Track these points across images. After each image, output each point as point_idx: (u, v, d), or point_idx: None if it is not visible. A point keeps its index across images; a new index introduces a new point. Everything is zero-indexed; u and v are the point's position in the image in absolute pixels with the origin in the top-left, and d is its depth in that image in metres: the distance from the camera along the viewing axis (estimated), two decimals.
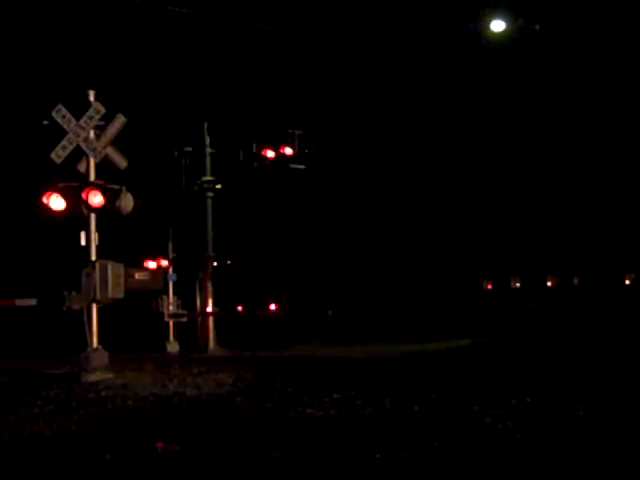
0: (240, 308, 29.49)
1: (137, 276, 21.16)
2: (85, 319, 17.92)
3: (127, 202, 18.49)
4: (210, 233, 27.91)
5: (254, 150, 26.70)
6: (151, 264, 27.85)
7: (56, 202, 18.23)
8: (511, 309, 36.74)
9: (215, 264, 28.10)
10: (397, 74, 32.46)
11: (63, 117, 18.34)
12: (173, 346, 27.82)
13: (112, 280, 17.97)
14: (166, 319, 28.16)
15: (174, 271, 28.50)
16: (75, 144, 18.31)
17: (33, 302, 18.66)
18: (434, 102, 28.45)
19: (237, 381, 16.38)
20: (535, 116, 26.40)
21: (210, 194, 27.88)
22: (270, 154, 26.18)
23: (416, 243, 37.06)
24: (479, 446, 9.52)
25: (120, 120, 18.66)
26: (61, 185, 18.41)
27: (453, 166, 27.66)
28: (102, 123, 18.58)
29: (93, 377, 17.29)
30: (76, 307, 17.96)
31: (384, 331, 29.59)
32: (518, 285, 46.32)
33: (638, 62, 25.39)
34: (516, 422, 10.83)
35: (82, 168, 18.60)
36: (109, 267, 18.03)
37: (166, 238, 28.60)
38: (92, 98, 18.59)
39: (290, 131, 26.01)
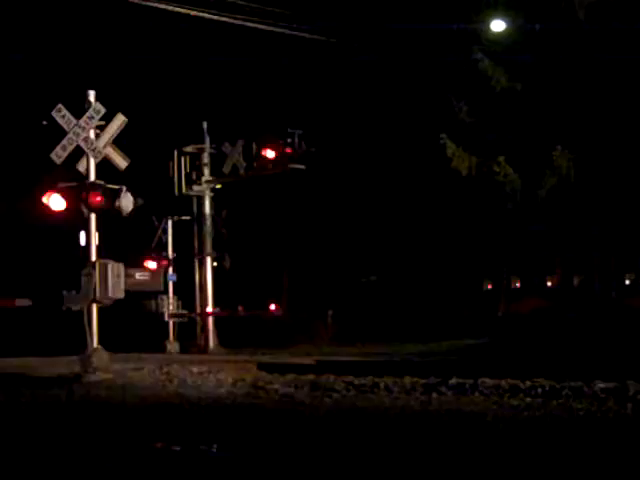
0: (240, 308, 29.42)
1: (137, 276, 21.19)
2: (85, 319, 17.92)
3: (127, 202, 18.50)
4: (210, 233, 27.89)
5: (254, 150, 26.68)
6: (151, 264, 27.83)
7: (56, 202, 18.24)
8: (511, 309, 36.72)
9: (215, 264, 28.08)
10: (396, 73, 32.45)
11: (63, 117, 18.35)
12: (173, 346, 27.78)
13: (112, 280, 17.97)
14: (166, 319, 28.13)
15: (174, 271, 28.46)
16: (75, 144, 18.32)
17: (28, 302, 18.71)
18: (434, 101, 28.41)
19: (237, 381, 16.38)
20: (536, 115, 26.38)
21: (210, 194, 27.88)
22: (270, 154, 26.16)
23: (416, 243, 37.03)
24: (478, 443, 9.51)
25: (120, 120, 18.66)
26: (61, 185, 18.42)
27: (452, 164, 27.63)
28: (102, 123, 18.58)
29: (93, 377, 17.30)
30: (76, 307, 17.96)
31: (384, 331, 29.58)
32: (518, 285, 46.22)
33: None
34: (515, 422, 10.83)
35: (82, 168, 18.61)
36: (109, 267, 18.04)
37: (166, 238, 28.57)
38: (92, 98, 18.60)
39: (290, 131, 25.97)
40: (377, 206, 35.76)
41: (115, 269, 18.18)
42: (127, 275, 18.64)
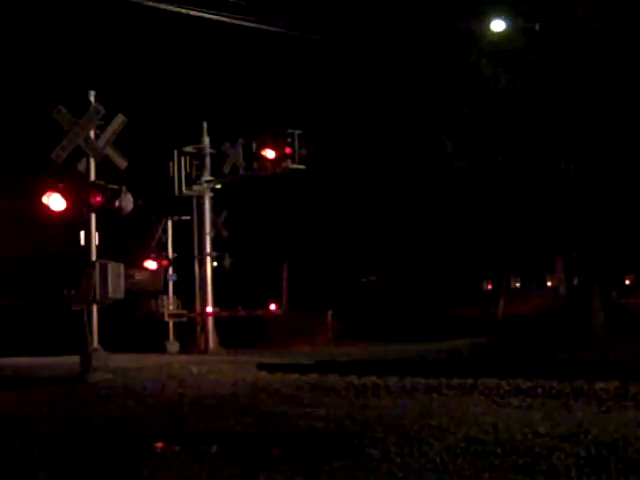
0: (240, 308, 29.44)
1: (137, 276, 21.19)
2: (85, 319, 17.92)
3: (127, 202, 18.50)
4: (210, 233, 27.90)
5: (254, 150, 26.70)
6: (151, 264, 27.86)
7: (56, 202, 18.24)
8: (511, 309, 36.76)
9: (215, 264, 28.09)
10: (395, 72, 32.47)
11: (63, 117, 18.34)
12: (173, 346, 27.80)
13: (112, 280, 17.98)
14: (166, 319, 28.15)
15: (174, 271, 28.49)
16: (75, 144, 18.32)
17: (22, 301, 18.74)
18: (434, 100, 28.41)
19: (237, 381, 16.38)
20: (536, 115, 26.38)
21: (210, 194, 27.89)
22: (270, 154, 26.17)
23: (416, 244, 37.06)
24: (479, 444, 9.52)
25: (120, 120, 18.67)
26: (61, 185, 18.42)
27: (452, 165, 27.63)
28: (102, 123, 18.59)
29: (93, 377, 17.30)
30: (76, 307, 17.96)
31: (384, 331, 29.61)
32: (518, 285, 46.31)
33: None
34: (513, 419, 10.83)
35: (82, 168, 18.62)
36: (109, 267, 18.04)
37: (166, 238, 28.60)
38: (92, 98, 18.61)
39: (290, 131, 26.00)
40: (377, 206, 35.79)
41: (115, 269, 18.19)
42: (127, 275, 18.63)
